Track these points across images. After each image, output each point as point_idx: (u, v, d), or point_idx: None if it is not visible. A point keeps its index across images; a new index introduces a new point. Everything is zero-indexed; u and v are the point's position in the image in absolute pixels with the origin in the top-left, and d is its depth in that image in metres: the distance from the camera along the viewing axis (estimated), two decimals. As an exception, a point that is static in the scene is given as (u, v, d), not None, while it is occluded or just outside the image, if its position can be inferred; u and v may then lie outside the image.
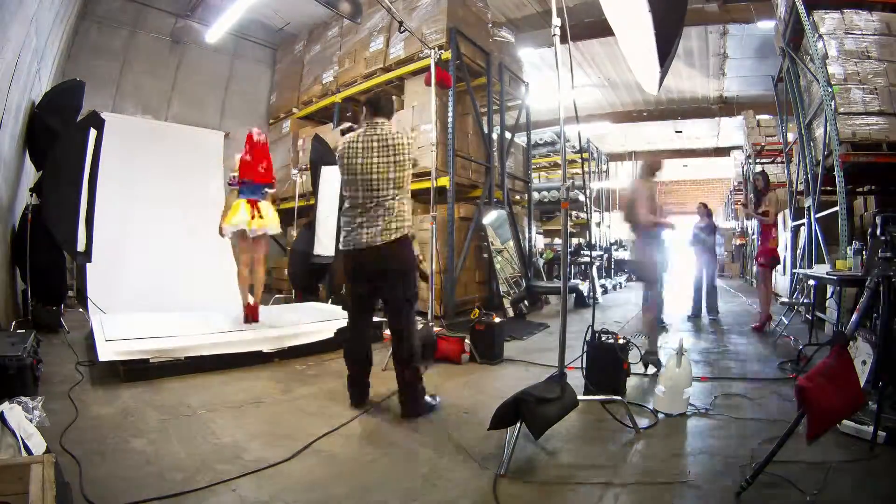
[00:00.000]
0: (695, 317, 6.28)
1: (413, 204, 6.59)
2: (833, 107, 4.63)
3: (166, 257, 6.13)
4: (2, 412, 1.66)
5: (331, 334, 4.14)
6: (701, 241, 6.62)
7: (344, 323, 4.36)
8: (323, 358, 3.93)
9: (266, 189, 4.39)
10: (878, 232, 2.08)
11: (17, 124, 4.36)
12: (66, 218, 4.44)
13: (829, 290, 4.69)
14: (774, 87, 7.83)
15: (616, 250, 13.77)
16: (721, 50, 9.44)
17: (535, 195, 10.05)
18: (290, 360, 3.74)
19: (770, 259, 5.62)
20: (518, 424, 2.06)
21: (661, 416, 2.66)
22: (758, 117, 10.52)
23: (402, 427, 2.51)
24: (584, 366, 2.99)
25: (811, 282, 5.13)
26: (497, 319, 3.92)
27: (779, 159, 9.96)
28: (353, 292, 2.82)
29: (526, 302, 6.72)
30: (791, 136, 7.62)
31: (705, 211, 6.88)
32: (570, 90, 2.84)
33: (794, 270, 6.57)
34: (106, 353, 3.09)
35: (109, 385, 2.98)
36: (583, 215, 12.59)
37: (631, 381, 3.08)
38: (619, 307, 7.80)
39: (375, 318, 4.83)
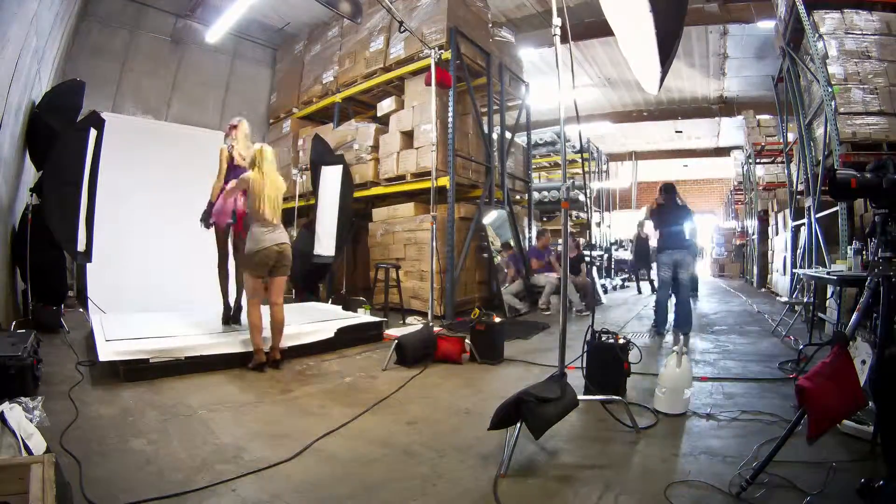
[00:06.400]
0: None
1: (413, 204, 6.62)
2: (833, 107, 4.63)
3: (166, 257, 6.13)
4: (2, 412, 1.66)
5: (331, 334, 4.14)
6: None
7: (344, 323, 4.40)
8: (323, 358, 3.93)
9: None
10: (878, 231, 2.07)
11: (17, 124, 4.36)
12: (66, 218, 4.44)
13: (829, 290, 4.69)
14: (774, 87, 7.83)
15: (616, 250, 13.76)
16: (721, 50, 9.44)
17: (535, 195, 10.06)
18: (291, 360, 3.74)
19: None
20: (518, 424, 2.06)
21: (661, 416, 2.66)
22: (758, 117, 10.53)
23: (402, 427, 2.51)
24: (585, 366, 2.99)
25: (811, 282, 5.13)
26: (497, 319, 3.91)
27: (779, 159, 9.97)
28: None
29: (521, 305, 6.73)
30: (791, 136, 7.63)
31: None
32: (571, 90, 2.84)
33: (794, 270, 6.57)
34: (106, 353, 3.09)
35: (109, 385, 2.98)
36: (583, 215, 12.59)
37: (631, 381, 3.08)
38: (620, 307, 7.80)
39: (375, 319, 4.87)
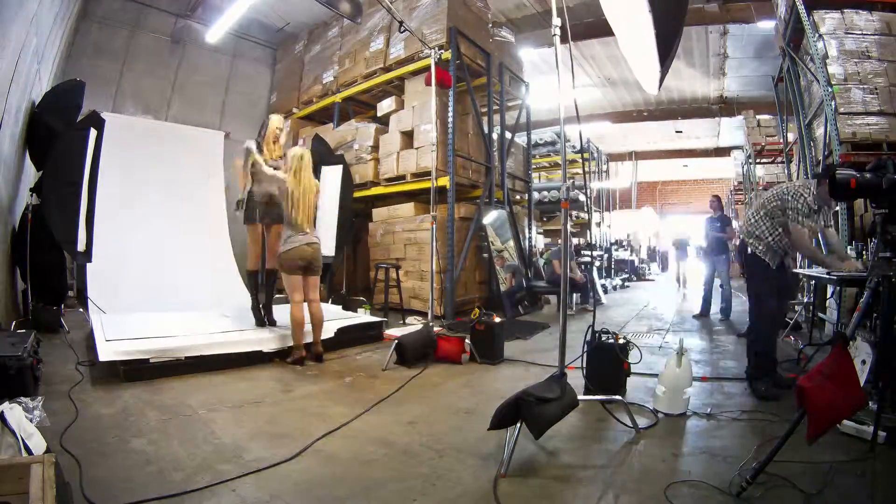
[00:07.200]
0: (702, 315, 6.56)
1: (413, 204, 6.62)
2: (833, 107, 4.63)
3: (166, 257, 6.13)
4: (2, 412, 1.66)
5: (331, 334, 4.14)
6: (712, 237, 6.83)
7: (344, 323, 4.40)
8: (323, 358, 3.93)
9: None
10: (879, 231, 2.07)
11: (18, 124, 4.36)
12: (66, 218, 4.44)
13: (829, 290, 4.69)
14: (774, 87, 7.83)
15: (616, 250, 13.76)
16: (721, 50, 9.45)
17: (535, 195, 10.06)
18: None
19: None
20: (518, 424, 2.06)
21: (661, 416, 2.66)
22: (758, 117, 10.52)
23: (402, 427, 2.51)
24: (585, 366, 2.99)
25: (811, 282, 5.13)
26: (497, 319, 3.91)
27: (779, 159, 9.96)
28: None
29: (526, 302, 6.73)
30: (791, 136, 7.63)
31: (717, 204, 6.97)
32: (571, 90, 2.84)
33: (794, 270, 6.57)
34: (106, 353, 3.09)
35: (109, 385, 2.98)
36: (583, 215, 12.59)
37: (631, 381, 3.08)
38: (620, 307, 7.80)
39: (375, 319, 4.87)
